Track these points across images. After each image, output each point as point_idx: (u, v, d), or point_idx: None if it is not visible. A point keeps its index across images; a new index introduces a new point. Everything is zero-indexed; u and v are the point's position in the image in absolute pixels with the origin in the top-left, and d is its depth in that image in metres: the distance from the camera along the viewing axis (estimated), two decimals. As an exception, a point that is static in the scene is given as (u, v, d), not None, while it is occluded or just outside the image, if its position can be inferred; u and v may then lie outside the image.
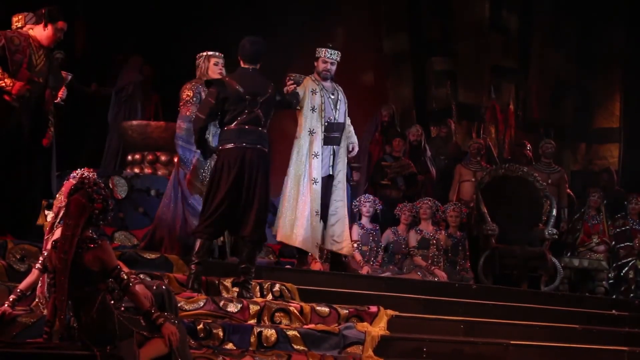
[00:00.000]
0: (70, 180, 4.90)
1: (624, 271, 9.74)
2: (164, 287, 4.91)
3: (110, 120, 10.00)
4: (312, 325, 5.89)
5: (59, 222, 4.84)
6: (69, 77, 6.51)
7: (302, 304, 6.10)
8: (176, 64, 10.58)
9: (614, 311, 8.02)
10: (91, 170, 5.09)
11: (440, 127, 11.76)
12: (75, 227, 4.36)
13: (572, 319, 7.50)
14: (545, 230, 8.94)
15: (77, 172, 5.05)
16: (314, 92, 7.17)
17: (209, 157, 6.46)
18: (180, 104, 6.99)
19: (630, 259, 9.75)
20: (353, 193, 9.17)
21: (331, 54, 7.23)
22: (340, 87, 7.40)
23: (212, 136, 6.54)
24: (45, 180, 6.28)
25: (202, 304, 5.63)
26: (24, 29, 6.22)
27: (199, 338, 5.25)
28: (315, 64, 7.28)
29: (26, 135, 6.05)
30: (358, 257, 8.25)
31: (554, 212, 9.13)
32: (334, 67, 7.27)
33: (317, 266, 7.61)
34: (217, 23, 11.03)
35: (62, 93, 6.35)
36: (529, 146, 11.17)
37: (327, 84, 7.28)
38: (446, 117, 12.03)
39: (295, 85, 7.08)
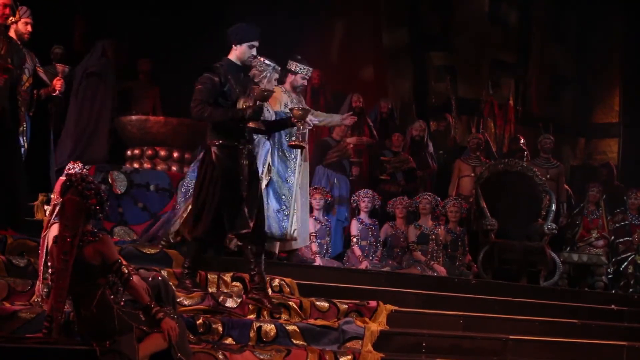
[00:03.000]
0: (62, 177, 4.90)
1: (623, 266, 9.74)
2: (160, 278, 4.90)
3: None
4: (311, 320, 5.90)
5: (54, 219, 4.83)
6: (67, 70, 6.48)
7: (302, 298, 6.11)
8: (175, 57, 10.59)
9: (613, 306, 8.03)
10: (77, 162, 5.08)
11: (440, 121, 11.76)
12: (74, 228, 4.35)
13: (571, 314, 7.51)
14: (544, 225, 8.94)
15: (69, 166, 5.05)
16: (286, 105, 7.19)
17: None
18: None
19: (629, 253, 9.76)
20: (352, 188, 9.19)
21: (308, 71, 7.33)
22: (302, 98, 7.50)
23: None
24: (43, 174, 6.25)
25: (200, 299, 5.63)
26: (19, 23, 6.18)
27: (198, 333, 5.26)
28: (293, 77, 7.28)
29: (8, 122, 6.00)
30: (357, 252, 8.27)
31: (554, 207, 9.12)
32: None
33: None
34: (216, 19, 11.00)
35: (60, 85, 6.31)
36: (522, 140, 11.18)
37: (295, 94, 7.33)
38: (446, 112, 12.02)
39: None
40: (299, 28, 11.19)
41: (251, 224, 5.66)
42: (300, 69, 7.26)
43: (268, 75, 6.85)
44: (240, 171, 5.72)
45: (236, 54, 5.89)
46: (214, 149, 5.72)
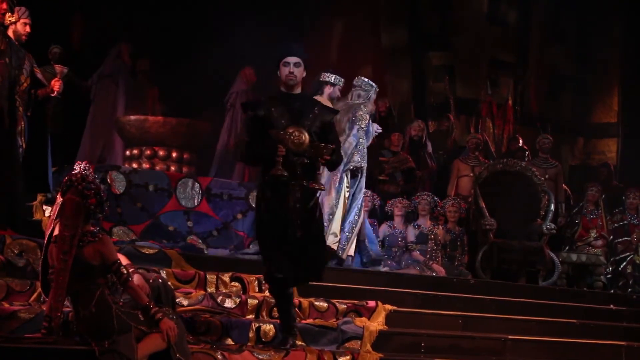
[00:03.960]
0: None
1: (621, 266, 9.75)
2: (160, 280, 4.91)
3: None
4: (310, 320, 5.90)
5: (55, 218, 4.83)
6: (65, 71, 6.47)
7: (301, 298, 6.10)
8: (174, 57, 10.59)
9: (611, 306, 8.03)
10: (86, 163, 5.09)
11: (441, 121, 11.76)
12: (74, 227, 4.36)
13: (570, 314, 7.51)
14: (543, 225, 8.94)
15: (75, 166, 5.06)
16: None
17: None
18: None
19: (628, 253, 9.77)
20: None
21: (342, 81, 7.33)
22: None
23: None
24: (41, 174, 6.25)
25: (200, 299, 5.64)
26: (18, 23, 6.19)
27: (197, 333, 5.26)
28: (332, 88, 7.18)
29: (6, 122, 5.98)
30: (356, 251, 8.26)
31: (552, 206, 9.13)
32: None
33: None
34: (215, 19, 11.01)
35: (58, 86, 6.30)
36: (521, 140, 11.17)
37: None
38: (444, 112, 12.03)
39: None
40: (298, 28, 11.19)
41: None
42: (339, 80, 7.27)
43: (372, 96, 6.79)
44: (286, 208, 5.14)
45: (281, 78, 5.41)
46: (263, 185, 5.28)
